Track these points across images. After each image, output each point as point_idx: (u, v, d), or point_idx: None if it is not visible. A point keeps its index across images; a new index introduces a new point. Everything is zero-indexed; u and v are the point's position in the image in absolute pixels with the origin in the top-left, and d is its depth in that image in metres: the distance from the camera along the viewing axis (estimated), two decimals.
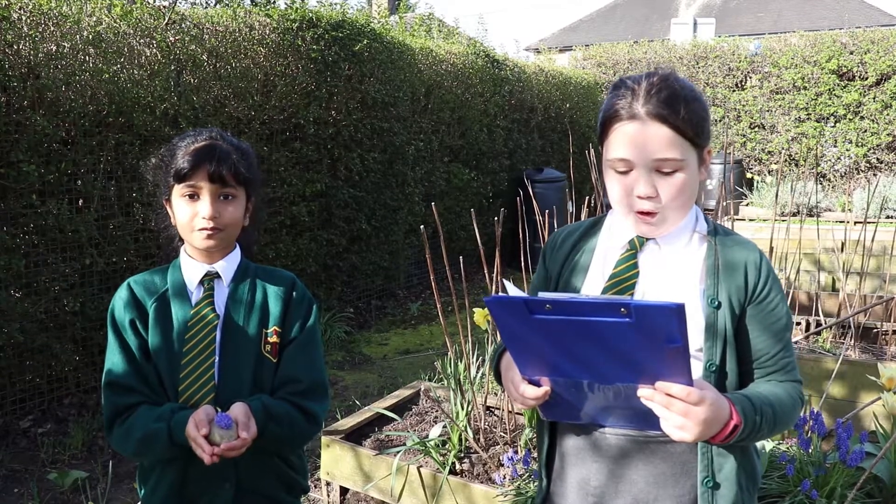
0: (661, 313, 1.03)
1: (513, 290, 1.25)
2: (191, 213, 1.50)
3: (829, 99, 11.52)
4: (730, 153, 11.16)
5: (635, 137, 1.26)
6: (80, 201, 3.91)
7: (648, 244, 1.36)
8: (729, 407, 1.19)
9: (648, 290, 1.33)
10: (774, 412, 1.26)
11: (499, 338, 1.58)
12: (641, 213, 1.30)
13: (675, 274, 1.34)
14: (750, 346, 1.32)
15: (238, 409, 1.42)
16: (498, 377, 1.47)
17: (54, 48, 3.72)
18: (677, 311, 1.02)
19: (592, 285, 1.39)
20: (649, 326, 1.05)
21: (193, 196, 1.50)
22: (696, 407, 1.11)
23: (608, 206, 1.47)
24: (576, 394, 1.23)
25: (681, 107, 1.25)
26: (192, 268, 1.57)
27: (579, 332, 1.10)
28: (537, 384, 1.22)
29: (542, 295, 1.09)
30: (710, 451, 1.29)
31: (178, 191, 1.50)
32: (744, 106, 12.16)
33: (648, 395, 1.14)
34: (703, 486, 1.29)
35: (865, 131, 11.37)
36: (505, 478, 2.65)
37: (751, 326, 1.32)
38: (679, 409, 1.12)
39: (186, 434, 1.39)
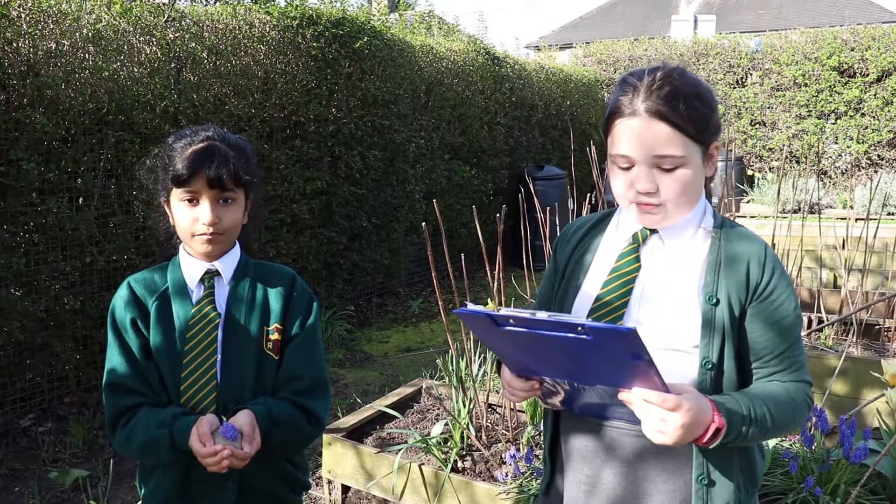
0: (616, 336, 1.03)
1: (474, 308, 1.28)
2: (191, 218, 1.48)
3: (830, 96, 11.50)
4: (731, 150, 11.13)
5: (635, 134, 1.27)
6: (81, 199, 3.91)
7: (651, 238, 1.36)
8: (711, 410, 1.17)
9: (648, 285, 1.33)
10: (770, 414, 1.22)
11: None
12: (642, 204, 1.30)
13: (675, 269, 1.34)
14: (752, 344, 1.30)
15: (243, 419, 1.42)
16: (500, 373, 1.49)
17: (54, 46, 3.71)
18: (630, 336, 1.01)
19: (594, 280, 1.39)
20: (608, 345, 1.06)
21: (193, 200, 1.49)
22: (674, 413, 1.11)
23: (609, 203, 1.47)
24: (567, 389, 1.25)
25: (680, 103, 1.24)
26: (191, 266, 1.56)
27: (547, 344, 1.11)
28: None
29: (504, 311, 1.11)
30: (704, 448, 1.27)
31: (177, 195, 1.49)
32: (744, 103, 12.14)
33: (629, 398, 1.15)
34: (698, 482, 1.28)
35: (866, 128, 11.35)
36: (507, 475, 2.65)
37: (754, 324, 1.29)
38: (656, 414, 1.12)
39: (193, 449, 1.38)
